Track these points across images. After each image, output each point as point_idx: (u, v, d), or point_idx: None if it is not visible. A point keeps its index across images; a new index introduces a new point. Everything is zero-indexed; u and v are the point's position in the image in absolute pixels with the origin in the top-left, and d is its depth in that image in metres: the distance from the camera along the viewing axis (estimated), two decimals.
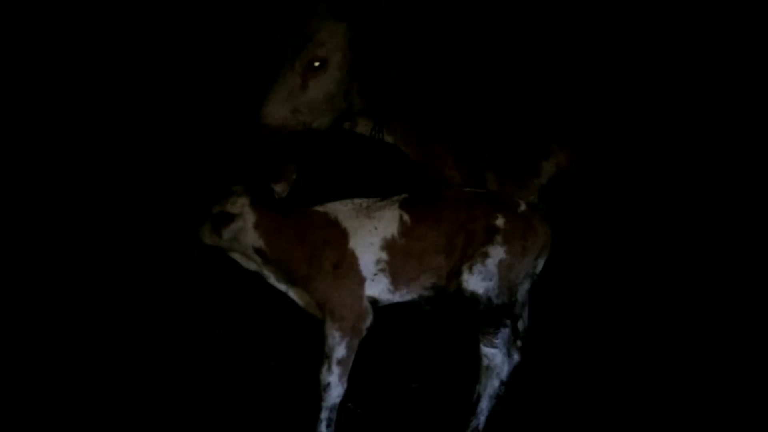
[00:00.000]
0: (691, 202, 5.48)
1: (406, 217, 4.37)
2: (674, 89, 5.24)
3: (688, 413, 4.83)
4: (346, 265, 4.30)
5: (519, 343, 4.82)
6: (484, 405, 4.48)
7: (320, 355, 4.30)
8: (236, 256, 4.45)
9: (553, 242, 4.54)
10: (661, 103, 5.22)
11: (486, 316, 4.34)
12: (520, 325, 5.08)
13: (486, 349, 4.41)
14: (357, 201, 4.46)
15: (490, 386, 4.46)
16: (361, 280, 4.32)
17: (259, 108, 4.76)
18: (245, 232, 4.31)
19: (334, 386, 4.27)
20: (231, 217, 4.27)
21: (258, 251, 4.36)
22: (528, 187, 5.11)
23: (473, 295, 4.31)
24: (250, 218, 4.31)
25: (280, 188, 4.40)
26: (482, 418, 4.49)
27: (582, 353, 5.32)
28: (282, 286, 4.46)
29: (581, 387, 5.06)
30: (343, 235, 4.34)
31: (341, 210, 4.41)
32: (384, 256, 4.33)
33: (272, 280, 4.45)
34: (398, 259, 4.33)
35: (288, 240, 4.34)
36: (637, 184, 5.28)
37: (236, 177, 4.45)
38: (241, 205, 4.31)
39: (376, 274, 4.34)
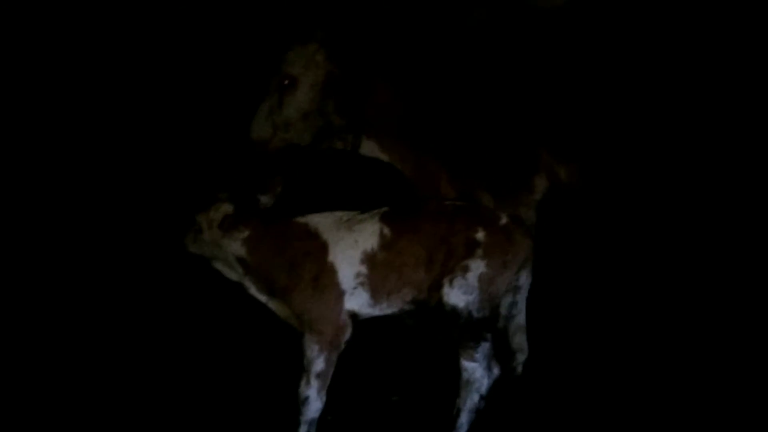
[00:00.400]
0: (692, 213, 5.45)
1: (386, 230, 4.35)
2: (673, 99, 5.21)
3: (687, 420, 4.81)
4: (326, 277, 4.28)
5: (519, 368, 4.89)
6: (464, 419, 4.44)
7: (299, 369, 4.27)
8: (219, 265, 4.44)
9: (540, 255, 4.52)
10: (658, 117, 5.19)
11: (466, 329, 4.32)
12: (520, 356, 5.07)
13: (466, 363, 4.38)
14: (338, 214, 4.44)
15: (470, 400, 4.43)
16: (340, 293, 4.29)
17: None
18: (228, 241, 4.31)
19: (313, 400, 4.24)
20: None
21: (240, 260, 4.34)
22: (523, 203, 5.08)
23: (454, 309, 4.29)
24: (236, 214, 4.32)
25: (265, 199, 4.40)
26: None
27: (584, 369, 5.29)
28: (262, 297, 4.43)
29: (577, 401, 5.05)
30: (323, 248, 4.32)
31: (322, 222, 4.39)
32: (364, 269, 4.31)
33: (253, 290, 4.42)
34: (378, 272, 4.31)
35: (269, 250, 4.32)
36: (639, 195, 5.25)
37: (222, 185, 4.46)
38: (224, 212, 4.30)
39: (355, 288, 4.31)
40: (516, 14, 5.20)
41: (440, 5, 5.36)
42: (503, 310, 4.55)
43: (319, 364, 4.23)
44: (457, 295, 4.28)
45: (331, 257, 4.30)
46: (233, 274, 4.43)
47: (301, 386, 4.24)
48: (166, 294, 5.71)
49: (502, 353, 4.89)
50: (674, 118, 5.19)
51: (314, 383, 4.23)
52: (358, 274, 4.30)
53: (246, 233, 4.32)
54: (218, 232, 4.32)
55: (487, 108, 5.11)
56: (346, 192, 5.47)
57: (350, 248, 4.30)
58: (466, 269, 4.29)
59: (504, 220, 4.42)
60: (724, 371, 5.13)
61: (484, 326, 4.36)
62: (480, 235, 4.33)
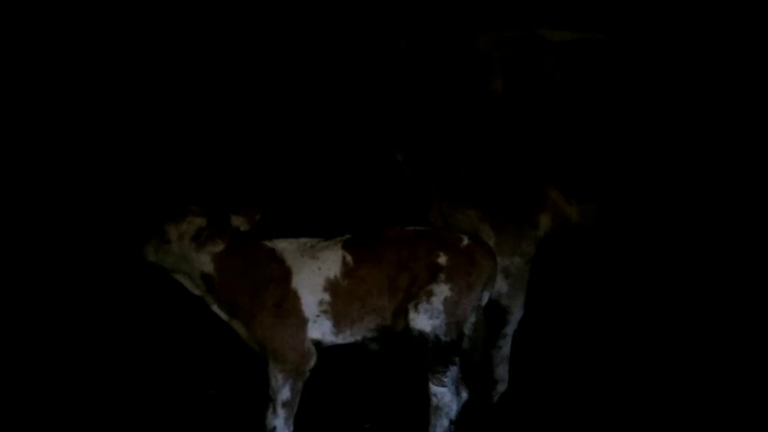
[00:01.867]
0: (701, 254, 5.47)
1: (348, 258, 4.35)
2: (687, 138, 5.18)
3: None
4: (289, 304, 4.27)
5: (496, 398, 4.99)
6: None
7: (265, 398, 4.26)
8: (180, 277, 4.42)
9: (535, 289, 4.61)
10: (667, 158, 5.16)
11: (434, 354, 4.33)
12: (500, 386, 5.21)
13: (435, 388, 4.39)
14: (303, 240, 4.44)
15: (440, 426, 4.43)
16: (303, 321, 4.28)
17: None
18: (198, 255, 4.30)
19: (281, 429, 4.22)
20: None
21: (204, 277, 4.32)
22: (525, 237, 5.08)
23: (421, 334, 4.30)
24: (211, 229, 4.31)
25: (237, 221, 4.39)
26: None
27: (566, 406, 5.24)
28: (224, 315, 4.42)
29: (572, 411, 5.08)
30: (286, 274, 4.31)
31: (287, 248, 4.39)
32: (327, 297, 4.30)
33: (214, 307, 4.41)
34: (341, 300, 4.31)
35: (235, 270, 4.31)
36: (654, 238, 5.27)
37: (195, 198, 4.48)
38: (198, 225, 4.29)
39: (318, 316, 4.31)
40: (533, 48, 5.21)
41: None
42: (467, 331, 4.55)
43: (284, 393, 4.22)
44: (423, 320, 4.28)
45: (294, 283, 4.29)
46: (195, 289, 4.42)
47: (268, 416, 4.23)
48: (157, 296, 5.63)
49: (480, 381, 5.02)
50: (689, 158, 5.18)
51: (281, 412, 4.22)
52: (321, 302, 4.29)
53: (219, 248, 4.30)
54: (191, 245, 4.30)
55: (501, 142, 5.14)
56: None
57: (314, 275, 4.30)
58: (430, 294, 4.30)
59: (465, 242, 4.44)
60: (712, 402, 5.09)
61: (451, 350, 4.36)
62: (442, 259, 4.34)
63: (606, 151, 5.05)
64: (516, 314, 5.14)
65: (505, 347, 5.18)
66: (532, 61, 5.16)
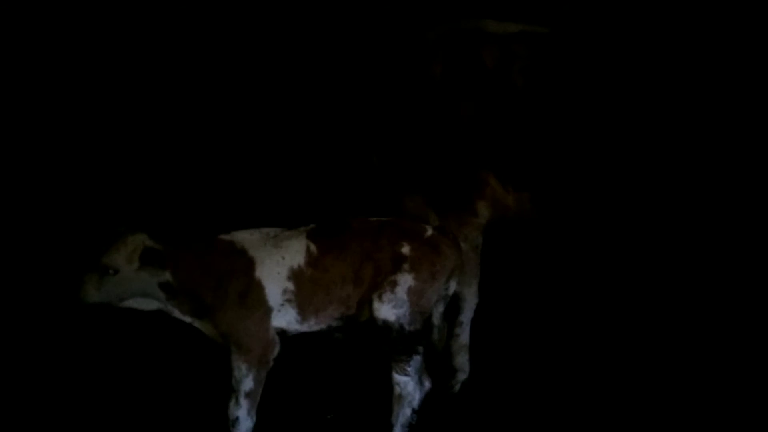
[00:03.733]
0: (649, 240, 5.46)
1: (312, 247, 4.32)
2: (633, 125, 5.12)
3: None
4: (253, 295, 4.22)
5: (458, 387, 5.01)
6: None
7: (227, 389, 4.21)
8: (131, 303, 4.23)
9: (487, 278, 4.64)
10: (615, 146, 5.10)
11: (398, 343, 4.33)
12: (460, 375, 5.22)
13: (398, 377, 4.39)
14: (264, 230, 4.39)
15: (402, 415, 4.43)
16: (267, 311, 4.24)
17: None
18: (153, 270, 4.13)
19: (243, 420, 4.18)
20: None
21: (163, 286, 4.19)
22: (467, 224, 5.11)
23: (385, 323, 4.30)
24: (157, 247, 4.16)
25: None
26: None
27: (525, 391, 5.26)
28: (187, 318, 4.33)
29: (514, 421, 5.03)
30: (249, 264, 4.25)
31: (248, 239, 4.33)
32: (291, 286, 4.26)
33: (177, 314, 4.31)
34: (305, 289, 4.28)
35: (195, 270, 4.21)
36: (592, 226, 5.27)
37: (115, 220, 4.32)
38: (141, 244, 4.12)
39: (282, 305, 4.27)
40: (474, 38, 5.18)
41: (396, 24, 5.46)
42: (435, 321, 4.56)
43: (248, 383, 4.18)
44: (387, 310, 4.28)
45: (257, 274, 4.24)
46: (152, 304, 4.26)
47: (231, 406, 4.18)
48: None
49: (441, 371, 5.03)
50: (632, 146, 5.12)
51: (243, 403, 4.17)
52: (285, 291, 4.25)
53: (173, 260, 4.18)
54: (143, 266, 4.10)
55: (441, 130, 5.12)
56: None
57: (277, 265, 4.26)
58: (394, 284, 4.30)
59: (429, 233, 4.45)
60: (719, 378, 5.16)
61: (415, 339, 4.36)
62: (405, 249, 4.34)
63: (542, 140, 5.06)
64: (470, 301, 5.17)
65: (463, 335, 5.21)
66: (472, 50, 5.14)
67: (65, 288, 4.16)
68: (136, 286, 4.15)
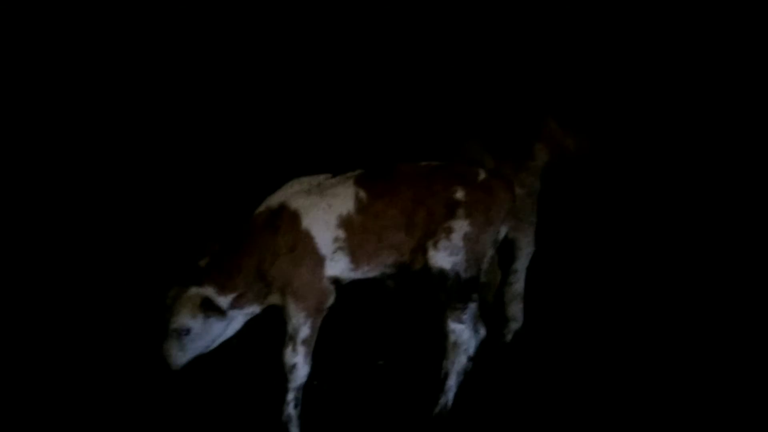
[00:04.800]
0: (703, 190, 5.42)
1: (362, 193, 4.24)
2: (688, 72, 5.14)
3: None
4: (302, 246, 4.16)
5: (510, 336, 4.96)
6: (452, 382, 4.41)
7: (283, 337, 4.20)
8: (223, 337, 4.24)
9: (544, 225, 4.47)
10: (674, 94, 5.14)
11: (454, 291, 4.28)
12: (513, 324, 5.13)
13: (453, 325, 4.34)
14: (304, 179, 4.32)
15: (458, 363, 4.39)
16: (319, 260, 4.19)
17: None
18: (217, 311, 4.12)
19: (300, 366, 4.17)
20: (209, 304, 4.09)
21: (234, 302, 4.16)
22: (523, 169, 4.99)
23: (441, 272, 4.24)
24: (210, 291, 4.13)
25: (203, 263, 4.21)
26: (451, 395, 4.42)
27: (578, 342, 5.18)
28: (266, 304, 4.26)
29: (566, 372, 4.93)
30: (293, 217, 4.18)
31: (285, 194, 4.26)
32: (341, 233, 4.20)
33: (257, 310, 4.28)
34: (357, 236, 4.21)
35: (249, 268, 4.16)
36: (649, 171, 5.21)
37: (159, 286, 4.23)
38: (195, 295, 4.08)
39: (335, 252, 4.21)
40: None
41: None
42: (484, 266, 4.48)
43: (304, 331, 4.16)
44: (443, 258, 4.22)
45: (304, 225, 4.17)
46: (239, 323, 4.26)
47: (287, 354, 4.17)
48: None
49: (493, 319, 4.94)
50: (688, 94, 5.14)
51: (300, 350, 4.16)
52: (336, 239, 4.19)
53: (233, 293, 4.14)
54: (209, 314, 4.11)
55: (498, 73, 5.09)
56: None
57: (324, 213, 4.19)
58: (449, 230, 4.23)
59: (482, 176, 4.36)
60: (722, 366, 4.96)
61: (471, 286, 4.31)
62: (460, 194, 4.26)
63: (602, 82, 5.04)
64: (525, 249, 5.08)
65: (517, 284, 5.12)
66: None
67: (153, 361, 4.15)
68: (215, 329, 4.15)
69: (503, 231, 4.45)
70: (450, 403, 4.42)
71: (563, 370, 4.89)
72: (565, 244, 5.83)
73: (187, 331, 4.08)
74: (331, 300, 4.24)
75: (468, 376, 4.41)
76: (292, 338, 4.17)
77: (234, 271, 4.14)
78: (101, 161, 6.09)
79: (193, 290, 4.10)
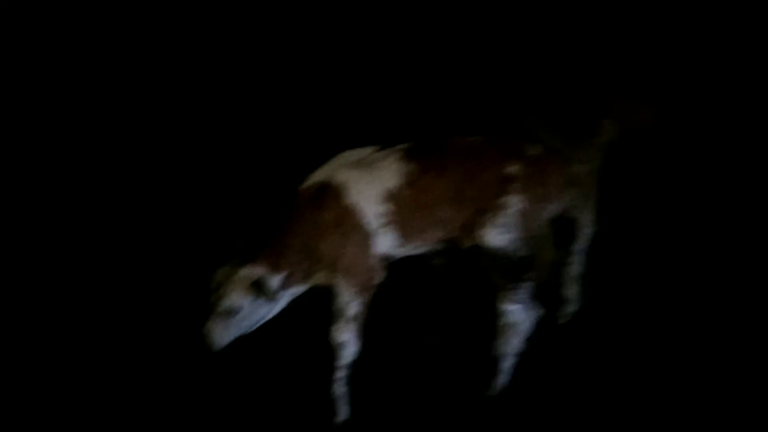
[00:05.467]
0: None
1: (410, 167, 4.12)
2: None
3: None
4: (348, 221, 4.05)
5: (565, 319, 4.78)
6: (508, 363, 4.32)
7: (332, 314, 4.12)
8: (264, 320, 4.13)
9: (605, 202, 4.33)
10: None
11: (507, 271, 4.16)
12: (569, 306, 4.96)
13: (506, 306, 4.22)
14: (351, 153, 4.21)
15: (512, 344, 4.28)
16: (367, 235, 4.08)
17: None
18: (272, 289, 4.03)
19: (350, 344, 4.09)
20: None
21: (284, 282, 4.06)
22: (588, 144, 4.78)
23: (494, 251, 4.12)
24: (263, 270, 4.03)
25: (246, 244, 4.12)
26: (505, 377, 4.33)
27: (639, 326, 4.96)
28: (307, 287, 4.18)
29: (622, 357, 4.74)
30: (337, 192, 4.06)
31: (330, 168, 4.16)
32: (388, 208, 4.08)
33: (300, 291, 4.18)
34: (404, 211, 4.09)
35: (295, 247, 4.04)
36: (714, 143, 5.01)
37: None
38: (248, 275, 3.98)
39: (382, 228, 4.09)
40: None
41: None
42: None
43: (353, 308, 4.07)
44: (496, 236, 4.11)
45: (349, 199, 4.06)
46: (280, 306, 4.15)
47: (336, 331, 4.08)
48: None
49: (549, 300, 4.75)
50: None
51: (350, 327, 4.08)
52: (382, 214, 4.07)
53: (284, 272, 4.04)
54: (258, 297, 4.00)
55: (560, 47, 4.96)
56: None
57: (370, 187, 4.07)
58: (502, 207, 4.11)
59: (534, 151, 4.23)
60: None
61: (525, 266, 4.19)
62: (513, 169, 4.14)
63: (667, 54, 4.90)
64: (586, 228, 4.88)
65: (576, 265, 4.94)
66: None
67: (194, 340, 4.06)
68: (262, 310, 4.07)
69: (555, 209, 4.32)
70: (504, 385, 4.32)
71: (617, 359, 4.69)
72: (628, 225, 5.58)
73: (237, 312, 4.01)
74: (380, 277, 4.14)
75: (523, 358, 4.31)
76: (342, 315, 4.08)
77: (283, 249, 4.04)
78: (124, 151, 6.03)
79: (246, 270, 4.00)
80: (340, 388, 4.13)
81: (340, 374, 4.12)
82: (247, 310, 4.01)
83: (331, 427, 4.17)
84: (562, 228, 4.76)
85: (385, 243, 4.12)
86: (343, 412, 4.14)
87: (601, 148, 4.83)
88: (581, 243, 4.91)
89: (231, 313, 3.99)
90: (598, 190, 4.86)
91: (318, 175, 4.15)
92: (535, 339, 4.36)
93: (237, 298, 3.98)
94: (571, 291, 4.97)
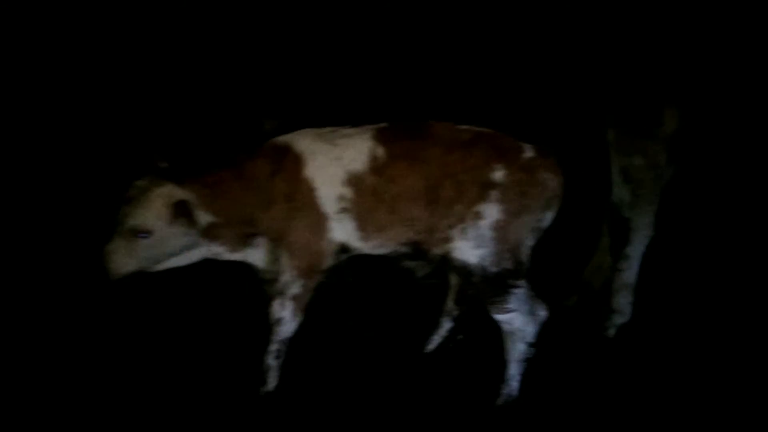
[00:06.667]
0: None
1: (379, 150, 3.61)
2: None
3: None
4: (301, 196, 3.64)
5: (613, 331, 4.35)
6: (514, 371, 3.90)
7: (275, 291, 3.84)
8: (170, 263, 3.66)
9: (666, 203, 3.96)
10: None
11: (485, 286, 3.67)
12: (617, 318, 4.42)
13: (499, 316, 3.77)
14: (319, 130, 3.73)
15: (515, 351, 3.87)
16: (320, 217, 3.66)
17: None
18: (190, 221, 3.56)
19: (287, 321, 3.81)
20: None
21: (207, 231, 3.64)
22: (649, 137, 4.15)
23: (465, 266, 3.65)
24: (190, 196, 3.56)
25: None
26: (514, 384, 3.92)
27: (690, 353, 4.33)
28: (238, 255, 3.79)
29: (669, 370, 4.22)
30: (296, 161, 3.63)
31: (294, 137, 3.72)
32: (348, 192, 3.63)
33: (226, 255, 3.77)
34: (366, 200, 3.64)
35: (235, 194, 3.63)
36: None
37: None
38: (168, 193, 3.50)
39: (338, 213, 3.67)
40: None
41: None
42: (523, 257, 3.74)
43: (294, 288, 3.78)
44: (468, 250, 3.62)
45: (307, 173, 3.63)
46: (193, 257, 3.71)
47: (275, 306, 3.79)
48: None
49: (598, 309, 4.44)
50: None
51: (289, 305, 3.78)
52: (341, 198, 3.64)
53: (215, 217, 3.59)
54: (178, 220, 3.52)
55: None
56: None
57: (331, 165, 3.63)
58: (477, 216, 3.58)
59: (528, 154, 3.62)
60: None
61: (505, 279, 3.68)
62: (498, 174, 3.57)
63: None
64: (641, 232, 4.25)
65: (628, 272, 4.32)
66: None
67: (92, 263, 3.59)
68: (174, 243, 3.58)
69: (548, 218, 3.72)
70: (514, 393, 3.92)
71: (666, 375, 4.17)
72: (689, 232, 4.91)
73: (146, 234, 3.51)
74: (326, 263, 3.77)
75: (556, 367, 4.00)
76: (282, 293, 3.80)
77: (223, 195, 3.66)
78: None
79: (170, 187, 3.54)
80: (272, 360, 3.87)
81: (274, 347, 3.86)
82: (158, 236, 3.52)
83: (257, 395, 3.93)
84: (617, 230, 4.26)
85: (342, 232, 3.72)
86: (271, 384, 3.89)
87: (664, 140, 4.16)
88: (635, 248, 4.31)
89: (139, 233, 3.51)
90: (659, 189, 4.24)
91: (280, 139, 3.77)
92: (577, 350, 4.08)
93: (150, 217, 3.49)
94: (622, 301, 4.41)
